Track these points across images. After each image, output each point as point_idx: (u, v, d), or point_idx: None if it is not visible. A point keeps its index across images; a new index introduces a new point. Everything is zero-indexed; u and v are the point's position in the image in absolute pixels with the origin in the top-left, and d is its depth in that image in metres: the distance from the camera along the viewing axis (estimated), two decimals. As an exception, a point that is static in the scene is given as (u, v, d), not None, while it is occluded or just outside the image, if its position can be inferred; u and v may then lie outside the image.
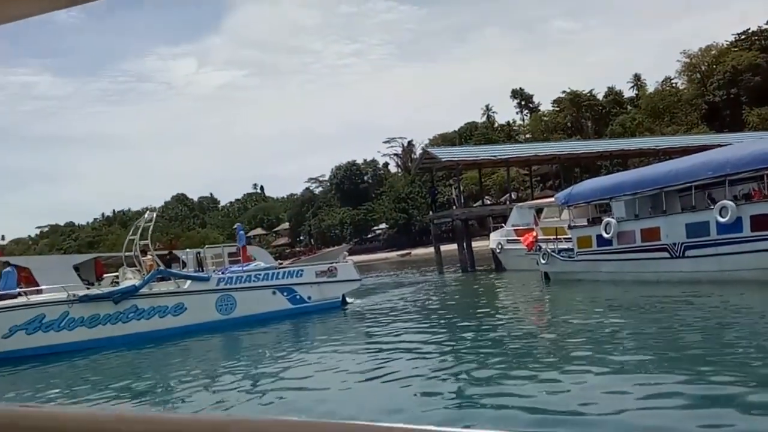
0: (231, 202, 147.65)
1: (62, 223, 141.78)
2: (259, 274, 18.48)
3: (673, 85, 79.66)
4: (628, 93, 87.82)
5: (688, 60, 75.87)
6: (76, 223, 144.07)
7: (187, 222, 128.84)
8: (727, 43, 73.51)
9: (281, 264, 33.29)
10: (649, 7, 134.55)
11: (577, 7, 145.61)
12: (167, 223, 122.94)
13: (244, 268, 18.56)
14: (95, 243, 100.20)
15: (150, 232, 17.08)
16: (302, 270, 19.34)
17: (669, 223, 16.37)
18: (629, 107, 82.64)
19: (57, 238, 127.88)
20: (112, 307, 16.04)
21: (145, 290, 16.63)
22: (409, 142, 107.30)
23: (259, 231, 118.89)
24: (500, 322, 13.80)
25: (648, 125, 68.99)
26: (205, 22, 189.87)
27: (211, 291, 17.50)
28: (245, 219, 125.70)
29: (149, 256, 17.31)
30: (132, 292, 16.38)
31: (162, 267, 17.16)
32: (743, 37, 72.37)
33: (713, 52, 73.47)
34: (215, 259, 27.09)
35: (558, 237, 21.88)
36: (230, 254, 31.94)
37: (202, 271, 19.31)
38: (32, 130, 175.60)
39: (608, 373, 7.70)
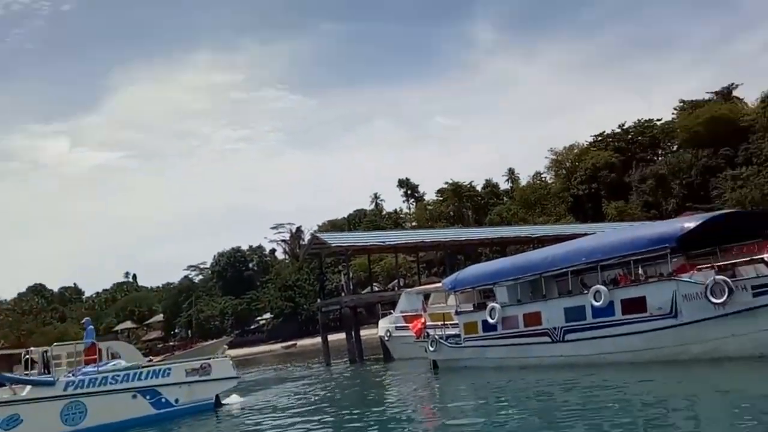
0: (98, 293, 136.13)
1: None
2: (118, 376, 16.16)
3: (543, 179, 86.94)
4: (504, 185, 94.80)
5: (554, 157, 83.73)
6: None
7: (44, 316, 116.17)
8: (587, 143, 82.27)
9: (151, 360, 30.52)
10: (519, 109, 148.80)
11: (457, 106, 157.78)
12: (19, 317, 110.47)
13: (100, 369, 16.30)
14: None
15: None
16: (169, 369, 17.18)
17: (549, 308, 16.95)
18: (505, 198, 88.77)
19: None
20: None
21: None
22: (298, 228, 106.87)
23: (128, 324, 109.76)
24: (385, 418, 13.29)
25: (522, 215, 74.07)
26: (82, 101, 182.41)
27: (56, 398, 15.02)
28: (113, 311, 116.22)
29: None
30: None
31: None
32: (599, 138, 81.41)
33: (575, 151, 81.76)
34: (69, 359, 24.45)
35: (446, 323, 21.97)
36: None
37: (49, 372, 16.68)
38: None
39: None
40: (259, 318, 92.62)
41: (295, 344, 71.56)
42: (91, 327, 18.71)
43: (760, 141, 61.84)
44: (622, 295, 15.00)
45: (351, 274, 62.50)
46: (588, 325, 15.63)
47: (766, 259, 13.49)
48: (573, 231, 38.06)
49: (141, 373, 16.64)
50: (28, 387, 15.11)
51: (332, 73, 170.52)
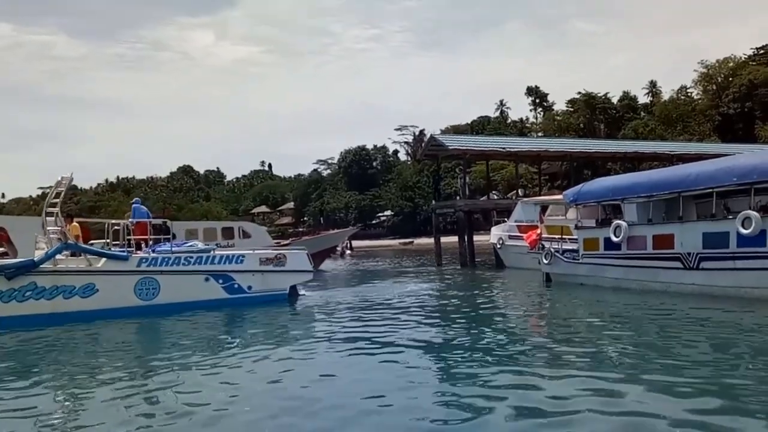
0: (237, 178, 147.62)
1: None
2: (191, 257, 16.24)
3: (689, 94, 78.28)
4: (643, 99, 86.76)
5: (705, 70, 74.45)
6: (80, 187, 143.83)
7: (191, 194, 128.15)
8: (745, 56, 72.12)
9: (279, 243, 32.38)
10: (670, 14, 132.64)
11: (597, 8, 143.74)
12: (171, 193, 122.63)
13: (174, 249, 16.44)
14: (97, 208, 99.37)
15: (61, 197, 15.26)
16: (243, 256, 17.20)
17: (684, 231, 15.22)
18: (643, 113, 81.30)
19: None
20: (4, 284, 14.24)
21: (48, 266, 14.72)
22: (421, 131, 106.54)
23: (263, 209, 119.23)
24: (492, 321, 12.81)
25: (660, 132, 67.76)
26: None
27: (129, 272, 15.45)
28: (251, 195, 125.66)
29: (75, 224, 16.11)
30: (29, 268, 14.48)
31: (71, 241, 15.26)
32: (762, 51, 70.85)
33: (730, 65, 72.10)
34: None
35: (563, 237, 20.85)
36: (224, 229, 31.18)
37: (130, 246, 16.66)
38: (45, 91, 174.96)
39: (602, 383, 7.08)
40: (380, 214, 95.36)
41: (412, 242, 73.16)
42: (138, 206, 18.35)
43: None
44: (779, 224, 12.96)
45: (470, 181, 61.48)
46: (730, 254, 13.85)
47: None
48: (721, 151, 34.09)
49: (215, 257, 16.78)
50: (103, 259, 15.50)
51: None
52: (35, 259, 14.82)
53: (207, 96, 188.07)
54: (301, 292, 18.42)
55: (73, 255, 15.69)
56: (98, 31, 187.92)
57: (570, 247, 20.24)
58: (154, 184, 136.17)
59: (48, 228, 15.21)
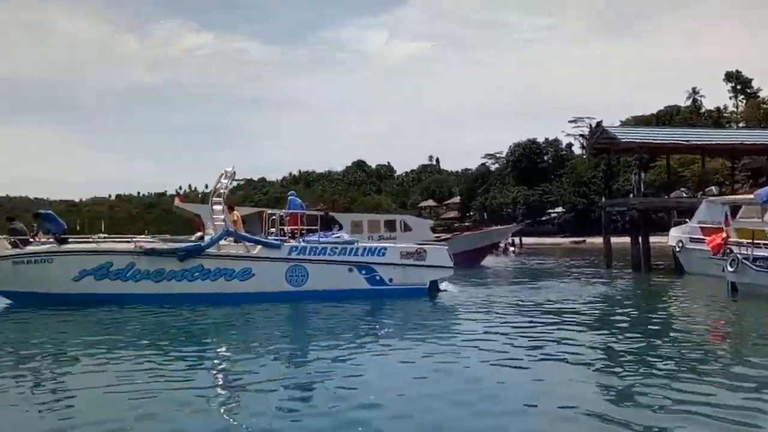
0: (406, 172, 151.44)
1: (256, 179, 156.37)
2: (336, 248, 16.99)
3: None
4: None
5: None
6: (268, 180, 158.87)
7: (364, 187, 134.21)
8: None
9: (438, 238, 32.58)
10: None
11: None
12: (346, 186, 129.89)
13: (321, 240, 17.31)
14: (282, 199, 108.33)
15: (227, 188, 16.91)
16: (385, 249, 17.57)
17: None
18: None
19: (250, 192, 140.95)
20: (177, 264, 15.93)
21: (213, 251, 16.29)
22: (598, 123, 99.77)
23: (430, 202, 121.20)
24: (658, 339, 11.19)
25: None
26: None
27: (281, 259, 16.55)
28: (419, 189, 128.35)
29: (235, 212, 17.57)
30: (197, 251, 16.21)
31: (231, 228, 16.67)
32: None
33: None
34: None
35: (755, 242, 18.25)
36: (386, 222, 32.15)
37: (284, 235, 17.99)
38: (239, 93, 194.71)
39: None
40: (550, 210, 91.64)
41: (584, 241, 69.24)
42: (293, 199, 19.33)
43: None
44: None
45: (654, 177, 56.18)
46: None
47: None
48: None
49: (358, 249, 17.31)
50: (259, 246, 16.73)
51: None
52: (202, 243, 16.64)
53: (379, 93, 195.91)
54: (443, 287, 18.31)
55: (235, 242, 17.24)
56: (285, 35, 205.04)
57: (763, 254, 17.70)
58: (331, 178, 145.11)
59: (213, 216, 16.90)
